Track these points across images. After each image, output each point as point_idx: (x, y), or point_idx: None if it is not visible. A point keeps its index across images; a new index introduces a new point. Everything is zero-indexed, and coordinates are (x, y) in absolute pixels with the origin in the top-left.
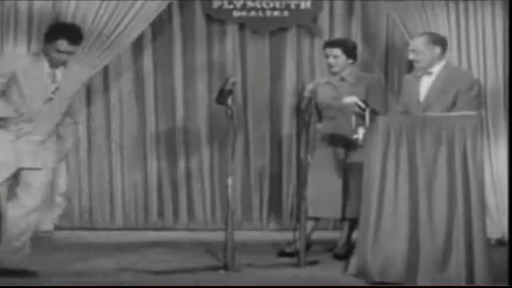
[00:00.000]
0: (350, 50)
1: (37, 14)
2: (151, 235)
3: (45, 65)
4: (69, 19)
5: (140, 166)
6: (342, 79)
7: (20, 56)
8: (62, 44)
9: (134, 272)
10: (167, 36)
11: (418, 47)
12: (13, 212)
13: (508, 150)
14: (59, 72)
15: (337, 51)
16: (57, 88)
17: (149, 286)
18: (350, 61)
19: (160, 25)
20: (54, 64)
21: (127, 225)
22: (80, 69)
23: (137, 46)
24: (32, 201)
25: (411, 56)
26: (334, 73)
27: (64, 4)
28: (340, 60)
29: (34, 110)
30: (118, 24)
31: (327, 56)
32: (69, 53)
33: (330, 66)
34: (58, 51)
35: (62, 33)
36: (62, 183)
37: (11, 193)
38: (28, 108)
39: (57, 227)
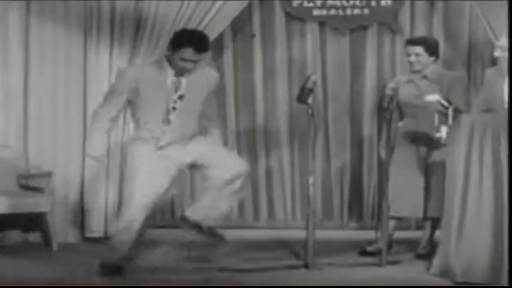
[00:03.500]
0: (432, 48)
1: (119, 14)
2: (232, 234)
3: (169, 73)
4: (150, 19)
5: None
6: (424, 77)
7: (139, 68)
8: (188, 52)
9: (215, 270)
10: (247, 35)
11: (507, 45)
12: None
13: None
14: (185, 80)
15: (418, 49)
16: (181, 96)
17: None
18: (432, 58)
19: (240, 24)
20: (179, 72)
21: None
22: (208, 71)
23: (218, 45)
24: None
25: (497, 53)
26: (416, 72)
27: (146, 4)
28: (422, 58)
29: (159, 121)
30: (199, 24)
31: (408, 55)
32: (195, 61)
33: (411, 64)
34: (183, 59)
35: (188, 41)
36: None
37: None
38: (154, 119)
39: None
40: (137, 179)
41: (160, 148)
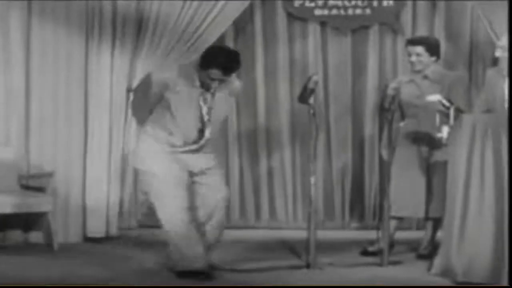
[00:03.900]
0: (433, 48)
1: (121, 14)
2: (233, 234)
3: (197, 85)
4: (152, 19)
5: (222, 165)
6: (425, 77)
7: (171, 76)
8: (216, 73)
9: (216, 270)
10: (249, 35)
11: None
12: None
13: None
14: (211, 93)
15: (419, 49)
16: (210, 109)
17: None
18: (433, 58)
19: (242, 24)
20: (205, 87)
21: None
22: (232, 81)
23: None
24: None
25: (498, 53)
26: (417, 72)
27: (148, 4)
28: (423, 58)
29: (188, 133)
30: (201, 24)
31: (409, 55)
32: (222, 80)
33: (413, 64)
34: (211, 78)
35: (217, 63)
36: None
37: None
38: (182, 131)
39: (142, 225)
40: (162, 176)
41: (174, 152)
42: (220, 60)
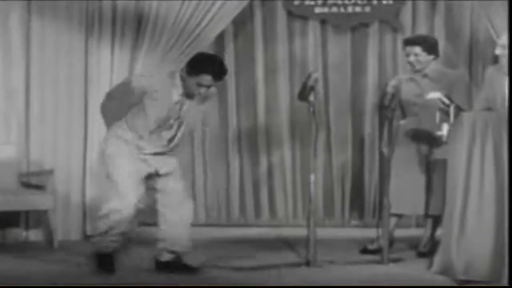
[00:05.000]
0: (431, 47)
1: (121, 14)
2: (233, 232)
3: (177, 91)
4: (151, 18)
5: (222, 163)
6: (425, 76)
7: (160, 76)
8: (206, 79)
9: (216, 268)
10: (248, 33)
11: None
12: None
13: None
14: (188, 101)
15: (417, 49)
16: (183, 117)
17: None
18: (432, 57)
19: (241, 22)
20: (188, 94)
21: (209, 222)
22: (214, 90)
23: (219, 43)
24: None
25: (498, 51)
26: (417, 71)
27: (147, 3)
28: (421, 58)
29: (159, 138)
30: (200, 22)
31: (407, 55)
32: (209, 87)
33: (411, 64)
34: (200, 84)
35: (208, 69)
36: None
37: None
38: (153, 136)
39: (143, 223)
40: (122, 176)
41: (141, 153)
42: (210, 66)
